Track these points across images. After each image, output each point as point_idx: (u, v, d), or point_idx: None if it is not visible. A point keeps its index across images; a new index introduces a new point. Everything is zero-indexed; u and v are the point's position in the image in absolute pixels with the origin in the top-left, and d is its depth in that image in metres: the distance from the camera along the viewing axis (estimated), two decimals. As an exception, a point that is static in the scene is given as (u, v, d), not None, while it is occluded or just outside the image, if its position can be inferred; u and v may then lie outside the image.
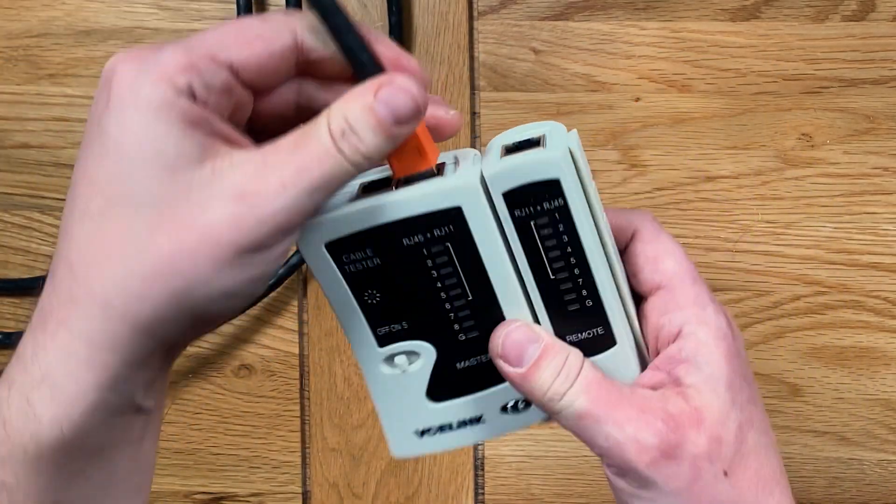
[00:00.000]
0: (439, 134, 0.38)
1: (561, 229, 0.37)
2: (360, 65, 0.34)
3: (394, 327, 0.39)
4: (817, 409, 0.65)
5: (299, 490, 0.68)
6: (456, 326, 0.39)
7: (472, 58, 0.63)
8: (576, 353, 0.38)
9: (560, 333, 0.39)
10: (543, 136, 0.38)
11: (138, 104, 0.33)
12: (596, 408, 0.38)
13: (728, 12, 0.61)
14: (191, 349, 0.67)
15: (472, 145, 0.64)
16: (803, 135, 0.62)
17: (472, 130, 0.64)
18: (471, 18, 0.63)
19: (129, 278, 0.32)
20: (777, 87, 0.62)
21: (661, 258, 0.40)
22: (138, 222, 0.32)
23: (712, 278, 0.64)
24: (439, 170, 0.37)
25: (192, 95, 0.32)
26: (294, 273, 0.66)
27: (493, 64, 0.63)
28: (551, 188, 0.37)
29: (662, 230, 0.41)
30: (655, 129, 0.63)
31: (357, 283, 0.38)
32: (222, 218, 0.31)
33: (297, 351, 0.67)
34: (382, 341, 0.39)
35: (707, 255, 0.64)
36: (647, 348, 0.41)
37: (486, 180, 0.37)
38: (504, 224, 0.37)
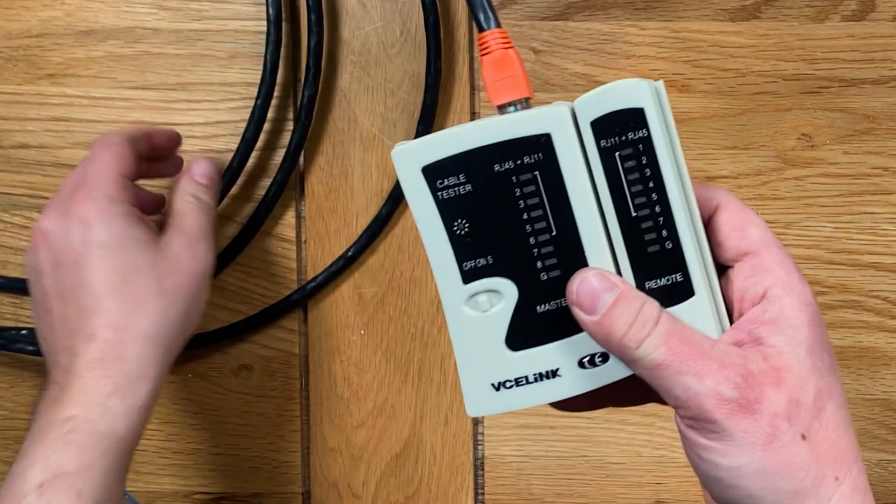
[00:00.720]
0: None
1: (644, 162, 0.37)
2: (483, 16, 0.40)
3: (479, 262, 0.39)
4: (817, 409, 0.65)
5: (299, 490, 0.68)
6: (539, 264, 0.39)
7: (472, 58, 0.63)
8: (652, 302, 0.38)
9: (639, 276, 0.39)
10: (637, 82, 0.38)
11: (110, 219, 0.52)
12: (674, 358, 0.37)
13: (728, 12, 0.61)
14: (190, 349, 0.67)
15: None
16: (803, 135, 0.62)
17: (472, 130, 0.64)
18: (471, 18, 0.63)
19: (158, 314, 0.51)
20: (777, 87, 0.62)
21: (747, 226, 0.40)
22: (148, 279, 0.51)
23: (712, 278, 0.64)
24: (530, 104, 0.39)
25: (129, 202, 0.53)
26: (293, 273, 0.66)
27: (492, 64, 0.63)
28: (636, 117, 0.37)
29: (744, 205, 0.41)
30: (655, 129, 0.63)
31: (448, 211, 0.39)
32: (191, 259, 0.54)
33: (297, 351, 0.67)
34: (467, 277, 0.39)
35: (707, 255, 0.64)
36: (730, 311, 0.40)
37: (575, 108, 0.37)
38: (590, 156, 0.38)
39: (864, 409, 0.64)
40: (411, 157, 0.38)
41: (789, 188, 0.63)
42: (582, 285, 0.39)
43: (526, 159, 0.38)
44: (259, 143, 0.64)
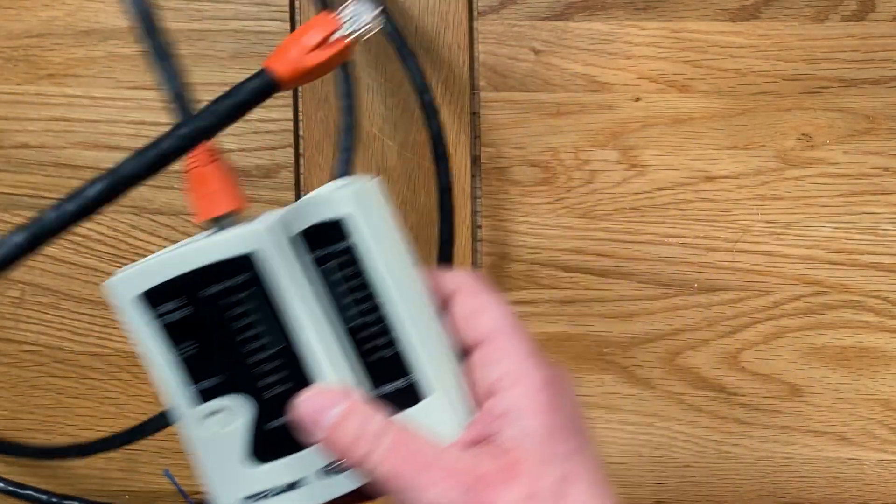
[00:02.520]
0: None
1: (355, 272, 0.37)
2: None
3: (210, 382, 0.39)
4: (817, 409, 0.65)
5: (299, 490, 0.68)
6: (269, 379, 0.38)
7: (472, 58, 0.63)
8: (377, 416, 0.38)
9: (368, 384, 0.38)
10: (345, 185, 0.38)
11: None
12: (400, 471, 0.37)
13: (728, 12, 0.61)
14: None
15: (472, 145, 0.64)
16: (803, 135, 0.62)
17: (472, 130, 0.64)
18: (471, 18, 0.63)
19: None
20: (777, 87, 0.62)
21: (479, 313, 0.39)
22: None
23: (712, 278, 0.64)
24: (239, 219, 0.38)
25: None
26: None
27: (493, 64, 0.63)
28: (341, 227, 0.37)
29: (484, 287, 0.40)
30: (655, 129, 0.63)
31: (174, 335, 0.38)
32: None
33: (297, 351, 0.67)
34: (200, 397, 0.39)
35: (707, 255, 0.64)
36: (475, 402, 0.39)
37: (281, 222, 0.37)
38: (304, 268, 0.37)
39: (864, 409, 0.64)
40: (126, 287, 0.38)
41: (789, 188, 0.63)
42: (305, 404, 0.38)
43: (239, 278, 0.37)
44: (259, 144, 0.64)
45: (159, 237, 0.66)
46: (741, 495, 0.66)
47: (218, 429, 0.39)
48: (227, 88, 0.67)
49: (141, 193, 0.66)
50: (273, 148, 0.65)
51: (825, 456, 0.65)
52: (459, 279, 0.40)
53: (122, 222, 0.66)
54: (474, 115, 0.64)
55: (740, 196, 0.63)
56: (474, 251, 0.65)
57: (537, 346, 0.39)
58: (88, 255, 0.67)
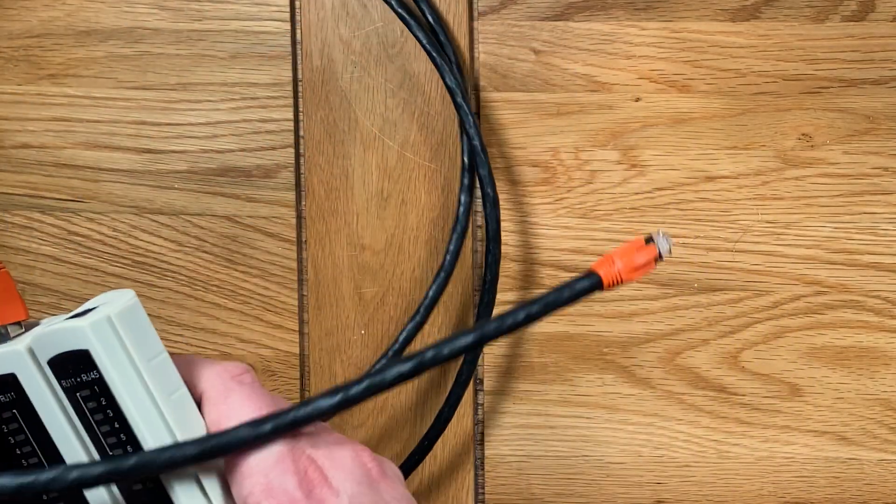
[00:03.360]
0: None
1: (104, 402, 0.37)
2: None
3: None
4: (817, 409, 0.65)
5: (299, 490, 0.68)
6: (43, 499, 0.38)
7: (472, 58, 0.63)
8: None
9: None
10: (104, 304, 0.37)
11: None
12: None
13: (728, 12, 0.61)
14: (191, 349, 0.67)
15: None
16: (803, 135, 0.62)
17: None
18: (471, 18, 0.63)
19: None
20: (777, 88, 0.62)
21: (223, 424, 0.38)
22: None
23: (712, 278, 0.64)
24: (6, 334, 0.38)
25: None
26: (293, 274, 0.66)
27: (493, 64, 0.63)
28: (85, 359, 0.36)
29: (233, 389, 0.39)
30: (655, 129, 0.63)
31: None
32: None
33: (297, 351, 0.67)
34: None
35: (707, 255, 0.64)
36: None
37: (32, 347, 0.37)
38: (59, 394, 0.37)
39: (864, 408, 0.64)
40: None
41: (789, 188, 0.63)
42: None
43: (2, 398, 0.38)
44: (259, 144, 0.64)
45: (160, 237, 0.66)
46: (741, 495, 0.66)
47: None
48: (227, 88, 0.67)
49: (141, 194, 0.66)
50: (273, 148, 0.65)
51: (825, 456, 0.65)
52: (206, 380, 0.39)
53: (123, 222, 0.66)
54: (474, 115, 0.64)
55: (740, 196, 0.63)
56: (474, 251, 0.65)
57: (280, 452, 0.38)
58: (88, 255, 0.67)
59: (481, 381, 0.66)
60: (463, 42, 0.63)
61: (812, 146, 0.62)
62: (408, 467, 0.65)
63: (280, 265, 0.66)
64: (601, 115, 0.63)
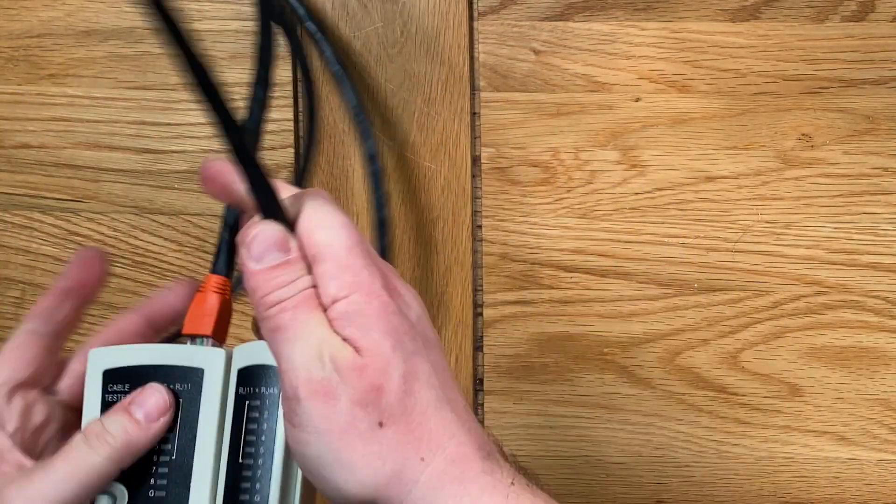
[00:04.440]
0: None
1: (265, 415, 0.41)
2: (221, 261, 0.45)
3: None
4: (817, 409, 0.65)
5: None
6: (152, 481, 0.42)
7: (472, 58, 0.63)
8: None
9: None
10: None
11: None
12: (293, 325, 0.38)
13: (728, 12, 0.61)
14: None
15: (472, 146, 0.64)
16: (803, 135, 0.62)
17: (473, 131, 0.64)
18: (471, 18, 0.63)
19: None
20: (777, 88, 0.62)
21: (315, 230, 0.40)
22: None
23: (712, 278, 0.64)
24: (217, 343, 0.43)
25: None
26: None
27: (493, 64, 0.63)
28: (274, 374, 0.41)
29: (328, 203, 0.41)
30: (655, 129, 0.63)
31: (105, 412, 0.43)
32: None
33: (297, 351, 0.67)
34: None
35: (707, 255, 0.64)
36: None
37: (233, 354, 0.42)
38: (229, 398, 0.42)
39: (863, 409, 0.64)
40: (101, 360, 0.43)
41: (789, 188, 0.63)
42: (261, 234, 0.40)
43: (178, 385, 0.43)
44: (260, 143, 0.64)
45: (160, 237, 0.66)
46: (741, 495, 0.66)
47: None
48: (227, 89, 0.68)
49: (141, 193, 0.66)
50: (273, 148, 0.65)
51: (825, 456, 0.65)
52: (308, 198, 0.41)
53: (123, 222, 0.66)
54: (474, 115, 0.64)
55: (740, 196, 0.63)
56: (474, 251, 0.65)
57: (375, 259, 0.41)
58: (89, 255, 0.67)
59: (481, 381, 0.66)
60: (463, 42, 0.63)
61: (812, 146, 0.62)
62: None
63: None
64: (601, 115, 0.63)
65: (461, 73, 0.63)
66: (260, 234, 0.40)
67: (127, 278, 0.66)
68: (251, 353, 0.42)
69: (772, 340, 0.64)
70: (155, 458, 0.42)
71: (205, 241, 0.66)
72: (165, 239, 0.66)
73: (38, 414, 0.45)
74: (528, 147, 0.64)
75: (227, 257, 0.44)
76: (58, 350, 0.48)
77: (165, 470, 0.42)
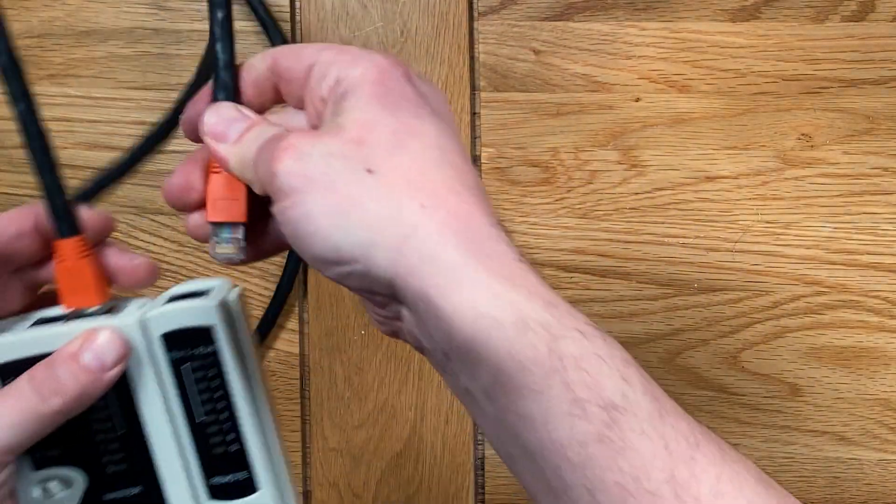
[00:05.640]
0: (121, 281, 0.41)
1: (211, 374, 0.40)
2: (60, 224, 0.40)
3: (48, 452, 0.41)
4: (817, 409, 0.65)
5: (300, 490, 0.68)
6: (105, 458, 0.41)
7: (472, 58, 0.63)
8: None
9: (206, 473, 0.41)
10: (210, 289, 0.41)
11: None
12: (257, 143, 0.38)
13: (728, 12, 0.61)
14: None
15: (472, 145, 0.64)
16: (803, 135, 0.62)
17: (472, 130, 0.64)
18: (471, 18, 0.63)
19: None
20: (777, 88, 0.62)
21: (300, 50, 0.40)
22: None
23: (712, 278, 0.64)
24: (110, 309, 0.41)
25: None
26: (294, 276, 0.66)
27: (493, 64, 0.63)
28: (205, 335, 0.40)
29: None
30: (655, 129, 0.63)
31: None
32: None
33: (297, 351, 0.67)
34: (38, 464, 0.41)
35: (707, 255, 0.64)
36: (294, 494, 0.43)
37: (148, 321, 0.40)
38: (160, 364, 0.40)
39: (863, 408, 0.64)
40: None
41: (789, 188, 0.63)
42: (211, 117, 0.40)
43: None
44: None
45: (160, 237, 0.66)
46: (741, 495, 0.66)
47: (48, 496, 0.41)
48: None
49: (141, 194, 0.66)
50: (273, 148, 0.65)
51: (825, 456, 0.65)
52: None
53: (123, 222, 0.66)
54: (474, 115, 0.64)
55: (740, 196, 0.63)
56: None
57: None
58: (89, 255, 0.67)
59: (481, 381, 0.66)
60: (463, 42, 0.63)
61: (812, 146, 0.62)
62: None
63: (280, 265, 0.66)
64: (601, 115, 0.63)
65: (461, 72, 0.63)
66: (211, 119, 0.40)
67: (127, 278, 0.66)
68: (165, 317, 0.40)
69: (772, 340, 0.64)
70: (99, 437, 0.41)
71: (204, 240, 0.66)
72: (165, 239, 0.66)
73: None
74: (528, 147, 0.64)
75: (66, 218, 0.40)
76: None
77: (116, 445, 0.41)
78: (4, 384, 0.40)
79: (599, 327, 0.34)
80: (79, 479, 0.41)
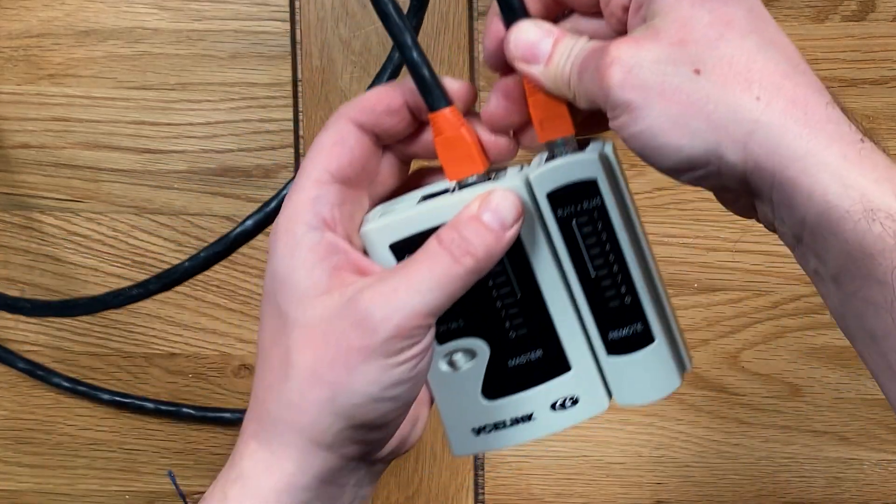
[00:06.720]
0: (487, 155, 0.41)
1: (600, 227, 0.40)
2: (431, 97, 0.39)
3: (451, 325, 0.41)
4: (817, 409, 0.65)
5: (299, 490, 0.68)
6: (507, 324, 0.41)
7: (472, 58, 0.63)
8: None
9: (602, 328, 0.41)
10: (591, 149, 0.41)
11: (278, 248, 0.39)
12: (588, 55, 0.37)
13: (728, 12, 0.61)
14: (191, 349, 0.67)
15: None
16: (803, 135, 0.62)
17: (472, 130, 0.64)
18: (471, 18, 0.63)
19: (287, 392, 0.38)
20: (777, 87, 0.62)
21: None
22: (290, 344, 0.38)
23: (712, 278, 0.64)
24: (489, 176, 0.40)
25: (324, 222, 0.39)
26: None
27: (493, 64, 0.63)
28: (589, 188, 0.40)
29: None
30: (655, 129, 0.63)
31: None
32: (350, 333, 0.37)
33: (297, 351, 0.67)
34: (441, 338, 0.41)
35: (707, 255, 0.64)
36: (686, 347, 0.43)
37: (531, 182, 0.40)
38: (548, 224, 0.40)
39: (864, 409, 0.64)
40: (379, 236, 0.40)
41: (789, 188, 0.63)
42: (516, 41, 0.39)
43: None
44: (259, 144, 0.64)
45: (159, 237, 0.66)
46: (741, 495, 0.66)
47: (456, 367, 0.42)
48: (227, 88, 0.68)
49: (141, 193, 0.66)
50: (273, 148, 0.65)
51: (825, 456, 0.65)
52: None
53: (122, 222, 0.66)
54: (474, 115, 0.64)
55: (740, 196, 0.63)
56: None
57: None
58: (88, 255, 0.67)
59: (481, 381, 0.66)
60: (463, 42, 0.63)
61: (812, 146, 0.62)
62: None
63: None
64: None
65: (461, 73, 0.63)
66: (518, 42, 0.39)
67: (127, 278, 0.66)
68: (547, 176, 0.40)
69: (772, 340, 0.64)
70: (499, 304, 0.41)
71: (204, 240, 0.66)
72: (165, 239, 0.66)
73: (358, 217, 0.41)
74: (527, 147, 0.64)
75: (437, 90, 0.39)
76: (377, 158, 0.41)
77: (516, 310, 0.41)
78: (399, 260, 0.40)
79: None
80: (483, 348, 0.42)
